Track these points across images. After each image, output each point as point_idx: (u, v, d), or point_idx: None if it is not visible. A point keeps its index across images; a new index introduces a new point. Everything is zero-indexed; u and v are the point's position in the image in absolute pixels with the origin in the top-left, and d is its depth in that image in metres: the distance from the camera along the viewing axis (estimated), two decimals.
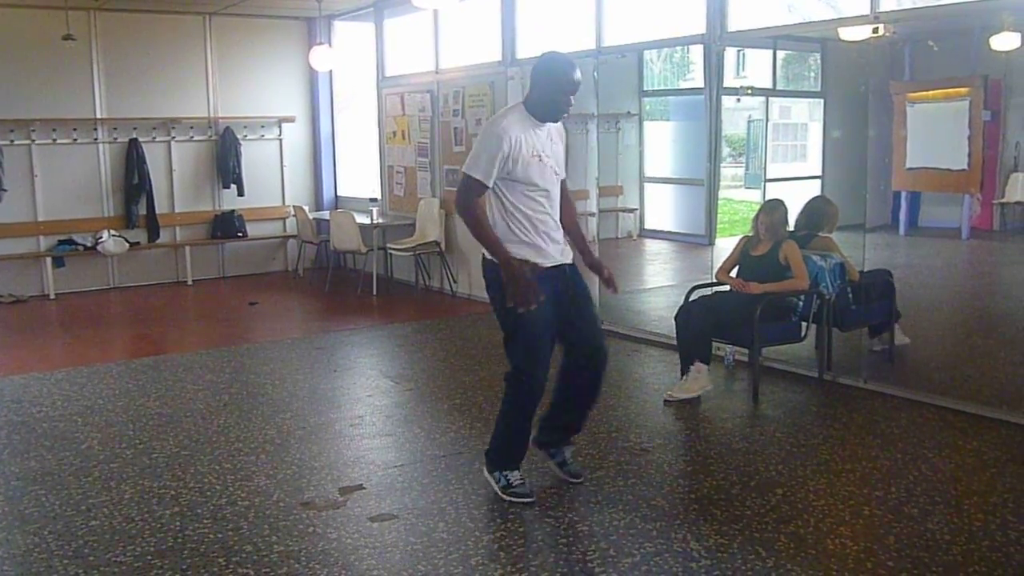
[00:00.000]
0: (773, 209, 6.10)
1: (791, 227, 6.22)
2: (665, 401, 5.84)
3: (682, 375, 5.90)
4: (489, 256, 4.19)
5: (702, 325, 5.85)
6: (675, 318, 6.06)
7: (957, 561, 3.63)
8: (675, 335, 6.07)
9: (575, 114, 9.29)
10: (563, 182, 4.33)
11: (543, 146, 4.13)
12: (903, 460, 4.74)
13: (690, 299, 6.19)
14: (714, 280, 6.37)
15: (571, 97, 4.10)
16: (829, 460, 4.78)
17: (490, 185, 4.06)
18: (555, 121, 4.21)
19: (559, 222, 4.26)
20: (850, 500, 4.26)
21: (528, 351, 4.17)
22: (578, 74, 4.09)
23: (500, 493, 4.30)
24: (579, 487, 4.46)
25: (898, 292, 6.36)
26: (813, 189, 8.26)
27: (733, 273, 6.16)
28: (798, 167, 10.89)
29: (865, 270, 6.25)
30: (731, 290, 6.11)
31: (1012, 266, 8.37)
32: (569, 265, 4.30)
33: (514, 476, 4.32)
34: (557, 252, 4.22)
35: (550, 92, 4.08)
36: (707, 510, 4.18)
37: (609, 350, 4.45)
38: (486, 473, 4.41)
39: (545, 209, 4.17)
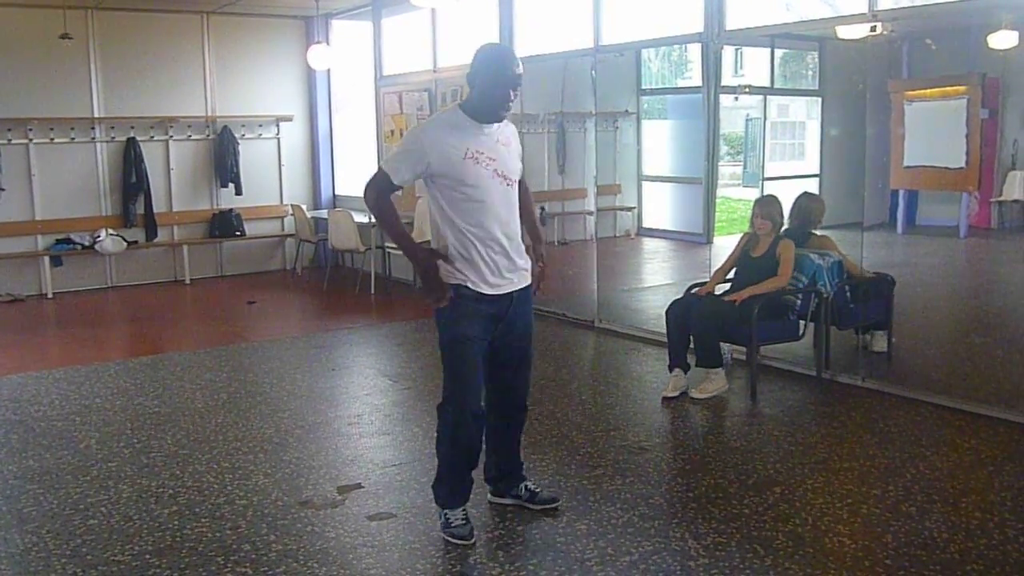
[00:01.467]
0: (768, 202, 6.12)
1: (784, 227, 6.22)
2: (691, 399, 5.83)
3: (670, 370, 5.90)
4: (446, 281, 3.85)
5: (709, 328, 5.84)
6: (667, 311, 6.04)
7: (955, 559, 3.63)
8: (665, 328, 6.06)
9: (573, 112, 9.37)
10: (523, 178, 4.03)
11: (484, 148, 3.76)
12: (901, 458, 4.74)
13: (689, 295, 6.17)
14: (707, 280, 6.36)
15: (511, 92, 3.73)
16: (827, 458, 4.78)
17: (396, 182, 3.75)
18: (497, 120, 3.81)
19: (512, 230, 3.89)
20: (848, 498, 4.26)
21: (454, 378, 3.90)
22: (518, 67, 3.75)
23: (440, 528, 3.98)
24: (577, 487, 4.46)
25: (896, 291, 6.36)
26: (811, 187, 8.25)
27: (731, 274, 6.17)
28: (796, 165, 10.89)
29: (869, 274, 6.24)
30: (724, 292, 6.10)
31: (1010, 264, 8.37)
32: (519, 291, 3.95)
33: (455, 516, 3.96)
34: (501, 278, 3.85)
35: (487, 88, 3.73)
36: (705, 509, 4.18)
37: (528, 408, 4.24)
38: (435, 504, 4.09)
39: (484, 224, 3.77)
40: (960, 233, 8.02)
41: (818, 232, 6.40)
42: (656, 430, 5.40)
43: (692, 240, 9.42)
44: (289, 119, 11.87)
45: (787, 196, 6.39)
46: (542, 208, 9.64)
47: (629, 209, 10.56)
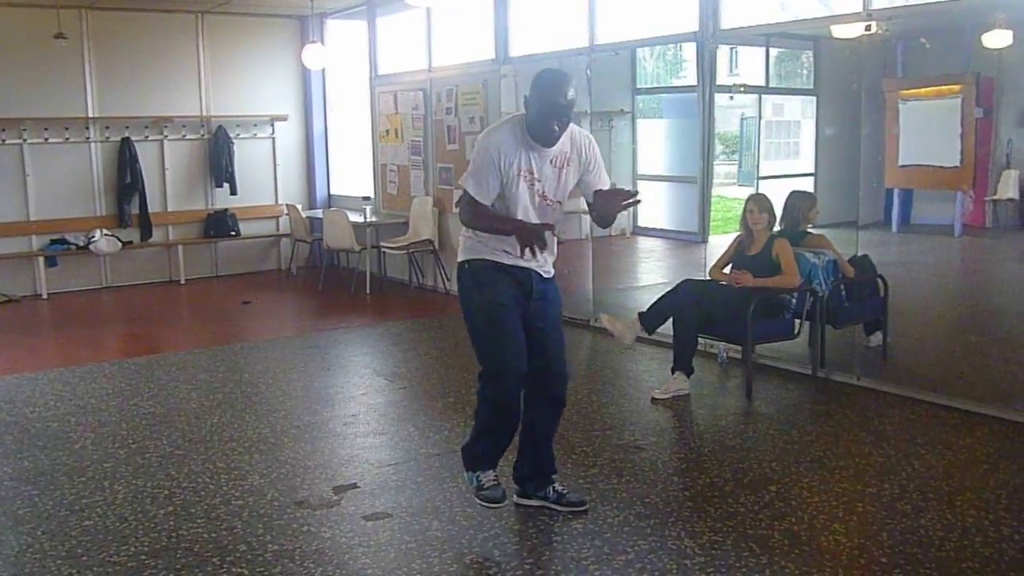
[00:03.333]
0: (761, 197, 6.15)
1: (778, 226, 6.23)
2: (652, 399, 5.87)
3: (672, 372, 5.92)
4: (461, 259, 3.98)
5: (692, 321, 5.85)
6: (677, 311, 6.00)
7: (950, 557, 3.64)
8: (673, 329, 6.05)
9: None
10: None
11: (534, 167, 3.81)
12: (896, 457, 4.75)
13: (679, 290, 6.11)
14: (707, 278, 6.36)
15: (554, 122, 3.71)
16: (823, 457, 4.78)
17: (486, 202, 3.79)
18: (546, 145, 3.79)
19: (541, 255, 3.87)
20: (844, 497, 4.27)
21: (492, 340, 3.91)
22: (567, 95, 3.72)
23: (472, 494, 4.10)
24: (573, 486, 4.45)
25: (891, 289, 6.36)
26: (806, 186, 8.25)
27: (727, 270, 6.17)
28: (791, 164, 10.88)
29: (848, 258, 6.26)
30: (720, 286, 6.10)
31: (1004, 263, 8.37)
32: (540, 276, 3.99)
33: (486, 477, 4.04)
34: (523, 261, 3.86)
35: (534, 115, 3.76)
36: (701, 507, 4.18)
37: (569, 379, 4.22)
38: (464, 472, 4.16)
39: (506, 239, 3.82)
40: (955, 232, 8.01)
41: (813, 231, 6.40)
42: (652, 429, 5.40)
43: (687, 239, 9.41)
44: (284, 119, 11.86)
45: (782, 195, 6.39)
46: None
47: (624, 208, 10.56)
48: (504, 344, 3.89)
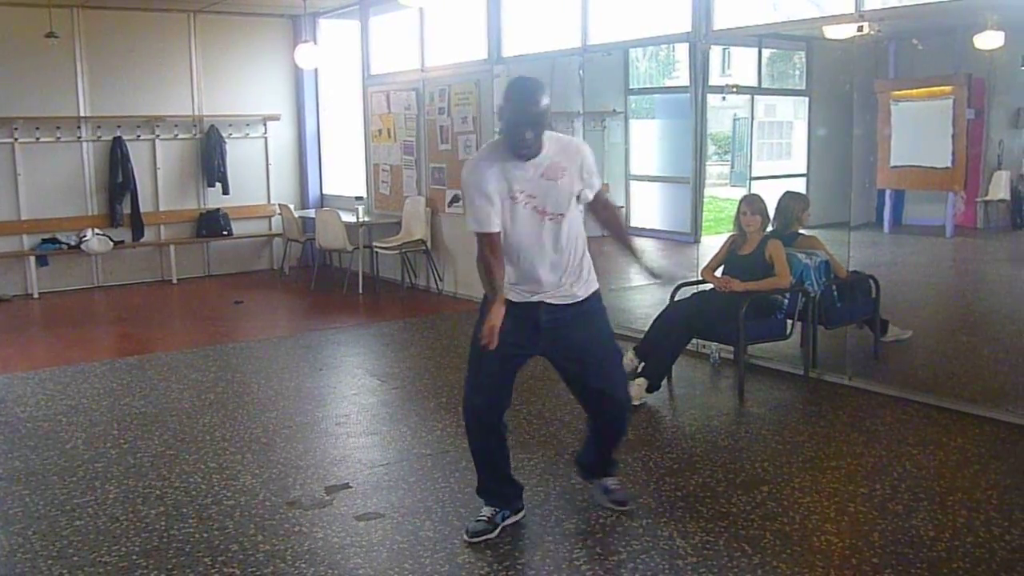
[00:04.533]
0: (755, 199, 6.15)
1: (770, 227, 6.24)
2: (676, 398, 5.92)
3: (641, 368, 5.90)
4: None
5: (676, 342, 5.85)
6: (655, 320, 6.05)
7: (941, 557, 3.65)
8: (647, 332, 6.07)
9: (560, 112, 9.34)
10: (598, 196, 3.85)
11: (522, 185, 3.65)
12: (888, 457, 4.76)
13: (674, 300, 6.19)
14: (699, 278, 6.37)
15: (527, 130, 3.51)
16: (814, 457, 4.79)
17: (493, 229, 3.65)
18: (523, 157, 3.59)
19: (554, 263, 3.77)
20: (835, 497, 4.28)
21: (470, 374, 3.97)
22: (539, 103, 3.52)
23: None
24: (565, 486, 4.46)
25: (883, 290, 6.38)
26: (799, 187, 8.27)
27: (719, 272, 6.18)
28: (783, 165, 10.91)
29: (850, 270, 6.29)
30: (713, 289, 6.12)
31: (996, 263, 8.42)
32: (552, 306, 3.84)
33: (484, 510, 4.02)
34: (530, 292, 3.81)
35: (506, 126, 3.59)
36: (693, 508, 4.19)
37: (624, 418, 4.14)
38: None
39: (518, 261, 3.77)
40: (946, 232, 8.05)
41: (805, 232, 6.42)
42: (644, 429, 5.40)
43: (680, 239, 9.42)
44: (276, 118, 11.84)
45: (774, 196, 6.40)
46: None
47: (617, 208, 10.57)
48: (475, 376, 3.92)
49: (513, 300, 3.80)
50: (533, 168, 3.64)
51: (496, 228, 3.67)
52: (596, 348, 3.94)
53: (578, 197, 3.78)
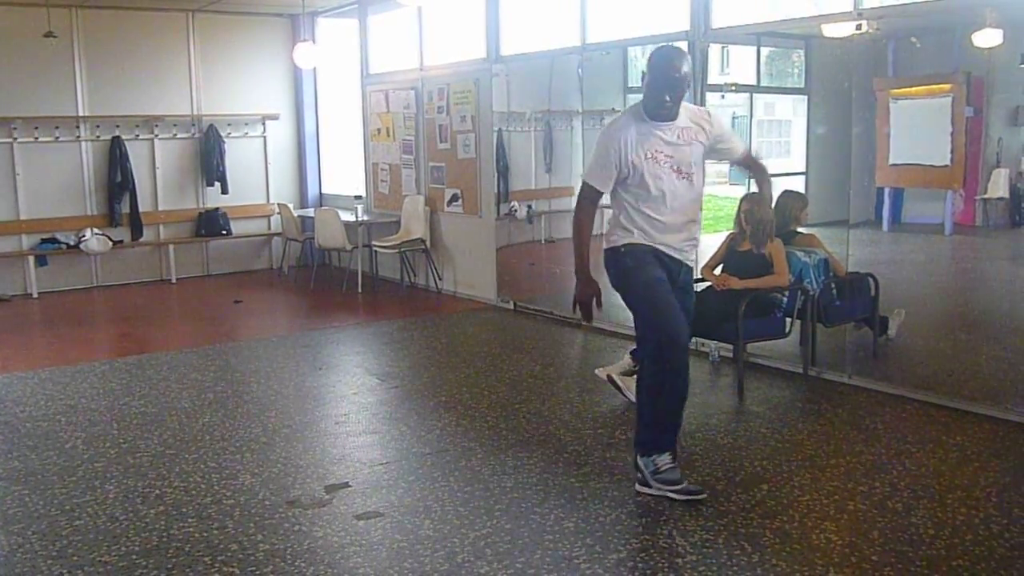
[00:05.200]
0: (756, 200, 6.14)
1: None
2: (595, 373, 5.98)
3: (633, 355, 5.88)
4: (607, 246, 4.28)
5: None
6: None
7: (940, 555, 3.65)
8: None
9: (560, 111, 9.37)
10: (745, 153, 4.54)
11: (660, 147, 4.09)
12: (887, 455, 4.76)
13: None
14: (699, 276, 6.37)
15: (666, 94, 4.02)
16: (814, 455, 4.79)
17: (605, 190, 4.14)
18: (663, 119, 4.10)
19: (688, 226, 4.26)
20: (835, 495, 4.28)
21: (647, 310, 4.19)
22: (680, 69, 4.00)
23: (650, 480, 4.22)
24: (564, 484, 4.46)
25: (882, 288, 6.38)
26: (798, 185, 8.27)
27: (718, 270, 6.18)
28: (782, 163, 10.90)
29: (849, 271, 6.29)
30: (712, 287, 6.12)
31: (995, 261, 8.40)
32: (688, 267, 4.35)
33: (662, 459, 4.21)
34: (669, 243, 4.22)
35: (649, 90, 4.06)
36: (692, 506, 4.18)
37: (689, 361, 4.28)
38: (638, 459, 4.31)
39: (659, 218, 4.16)
40: (945, 230, 8.04)
41: (804, 230, 6.42)
42: None
43: None
44: (275, 117, 11.84)
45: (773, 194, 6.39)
46: (529, 206, 9.65)
47: None
48: (670, 313, 4.13)
49: (662, 250, 4.21)
50: (669, 131, 4.12)
51: (604, 190, 4.16)
52: (690, 314, 4.47)
53: (713, 157, 4.37)
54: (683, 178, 4.17)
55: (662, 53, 4.13)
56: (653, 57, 4.10)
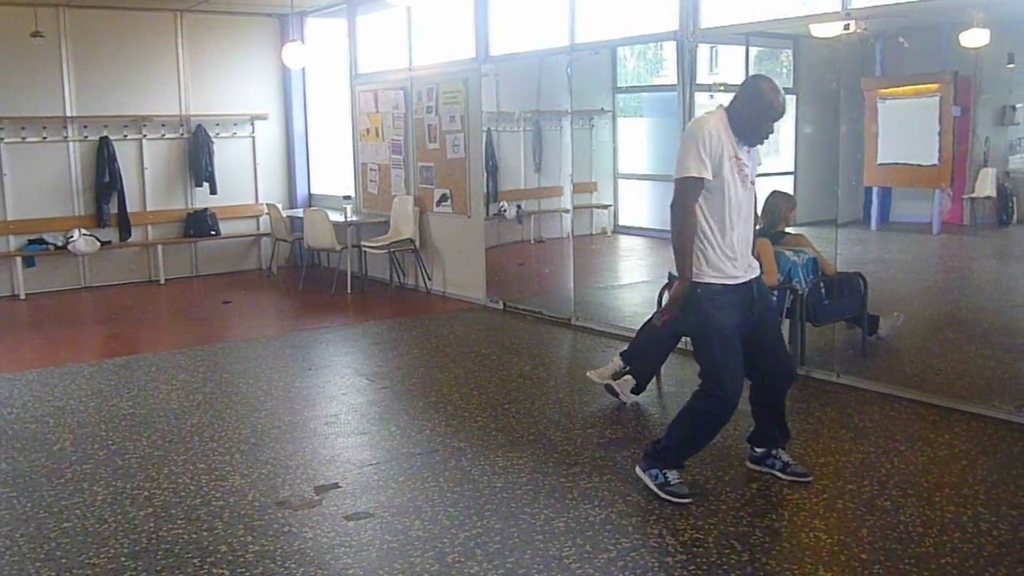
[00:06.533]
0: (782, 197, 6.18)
1: (759, 226, 6.25)
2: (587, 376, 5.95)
3: (622, 358, 5.87)
4: (695, 279, 4.16)
5: (664, 338, 5.81)
6: (643, 324, 6.03)
7: (929, 552, 3.66)
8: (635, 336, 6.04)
9: (548, 111, 9.38)
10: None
11: (739, 154, 4.11)
12: (876, 453, 4.78)
13: (662, 303, 6.16)
14: None
15: (770, 126, 4.10)
16: (803, 454, 4.80)
17: (707, 177, 4.03)
18: (752, 144, 4.17)
19: (749, 239, 4.27)
20: (824, 493, 4.29)
21: (714, 363, 4.21)
22: (782, 100, 4.06)
23: (657, 491, 4.28)
24: (554, 484, 4.46)
25: (870, 287, 6.41)
26: (786, 185, 8.29)
27: None
28: (771, 163, 10.92)
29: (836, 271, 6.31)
30: None
31: (982, 260, 8.45)
32: (755, 280, 4.29)
33: (673, 475, 4.30)
34: (740, 270, 4.19)
35: (754, 119, 4.07)
36: (682, 505, 4.19)
37: (795, 372, 4.53)
38: (639, 471, 4.41)
39: (733, 225, 4.13)
40: (933, 230, 8.08)
41: (792, 230, 6.43)
42: (633, 427, 5.41)
43: (668, 238, 9.45)
44: (264, 117, 11.81)
45: (762, 194, 6.41)
46: (518, 206, 9.65)
47: (605, 207, 10.59)
48: (734, 369, 4.20)
49: (731, 284, 4.17)
50: (745, 149, 4.16)
51: (708, 176, 4.05)
52: (775, 320, 4.65)
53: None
54: (749, 187, 4.20)
55: (768, 83, 4.10)
56: (759, 86, 4.09)
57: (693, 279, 4.14)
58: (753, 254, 5.86)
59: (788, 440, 4.59)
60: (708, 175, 4.03)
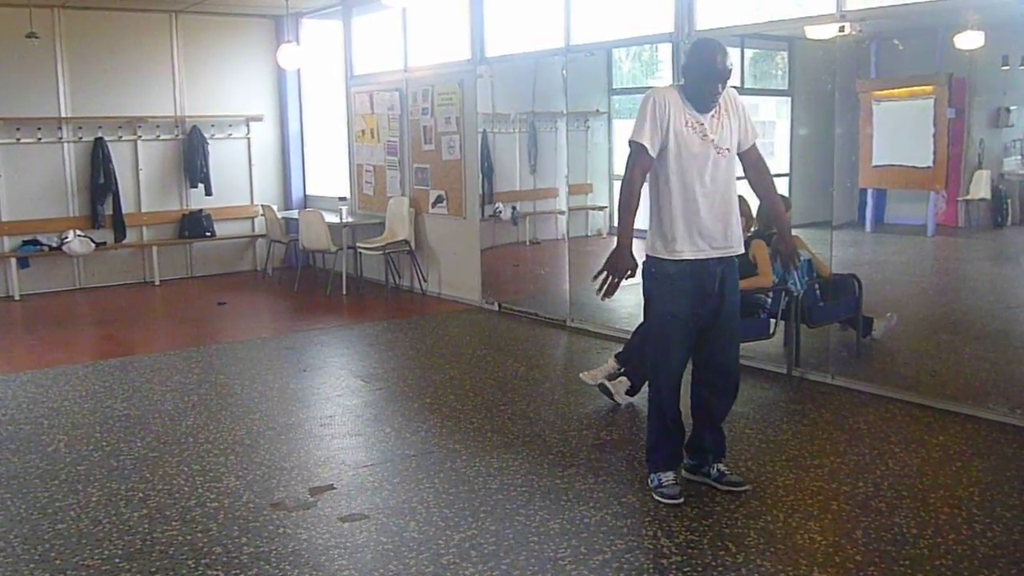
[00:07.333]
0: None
1: (754, 228, 6.26)
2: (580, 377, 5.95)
3: (617, 360, 5.87)
4: (650, 253, 4.19)
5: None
6: (638, 327, 6.02)
7: (924, 554, 3.67)
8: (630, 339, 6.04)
9: (544, 112, 9.38)
10: (753, 148, 4.28)
11: (705, 122, 4.05)
12: (870, 455, 4.79)
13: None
14: None
15: (719, 85, 4.01)
16: (798, 456, 4.81)
17: (653, 151, 4.01)
18: (705, 111, 4.06)
19: (726, 212, 4.16)
20: (818, 495, 4.29)
21: (657, 343, 4.24)
22: (727, 61, 4.00)
23: (653, 493, 4.30)
24: (549, 485, 4.46)
25: (865, 289, 6.41)
26: (781, 186, 8.30)
27: None
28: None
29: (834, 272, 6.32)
30: None
31: (977, 262, 8.45)
32: (727, 262, 4.21)
33: (667, 476, 4.30)
34: (705, 242, 4.12)
35: (699, 81, 4.02)
36: (677, 507, 4.19)
37: (739, 385, 4.46)
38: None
39: (696, 191, 4.06)
40: (928, 231, 8.08)
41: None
42: (628, 428, 5.41)
43: None
44: (259, 119, 11.81)
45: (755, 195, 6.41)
46: (513, 208, 9.65)
47: (601, 208, 10.58)
48: (671, 369, 4.25)
49: (688, 259, 4.10)
50: (709, 112, 4.08)
51: (654, 150, 4.02)
52: (733, 314, 4.33)
53: (738, 146, 4.21)
54: (721, 155, 4.10)
55: (709, 47, 4.06)
56: (699, 51, 4.06)
57: (647, 252, 4.17)
58: (748, 255, 5.92)
59: (723, 457, 4.46)
60: (650, 142, 4.01)
